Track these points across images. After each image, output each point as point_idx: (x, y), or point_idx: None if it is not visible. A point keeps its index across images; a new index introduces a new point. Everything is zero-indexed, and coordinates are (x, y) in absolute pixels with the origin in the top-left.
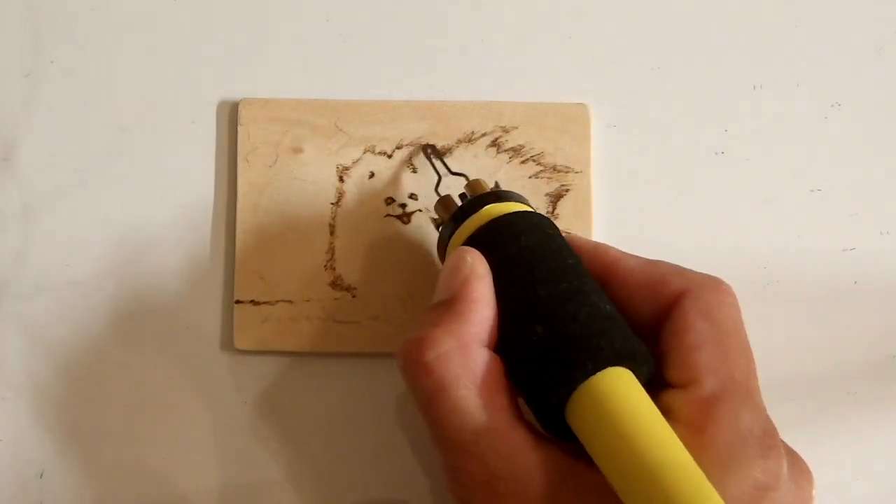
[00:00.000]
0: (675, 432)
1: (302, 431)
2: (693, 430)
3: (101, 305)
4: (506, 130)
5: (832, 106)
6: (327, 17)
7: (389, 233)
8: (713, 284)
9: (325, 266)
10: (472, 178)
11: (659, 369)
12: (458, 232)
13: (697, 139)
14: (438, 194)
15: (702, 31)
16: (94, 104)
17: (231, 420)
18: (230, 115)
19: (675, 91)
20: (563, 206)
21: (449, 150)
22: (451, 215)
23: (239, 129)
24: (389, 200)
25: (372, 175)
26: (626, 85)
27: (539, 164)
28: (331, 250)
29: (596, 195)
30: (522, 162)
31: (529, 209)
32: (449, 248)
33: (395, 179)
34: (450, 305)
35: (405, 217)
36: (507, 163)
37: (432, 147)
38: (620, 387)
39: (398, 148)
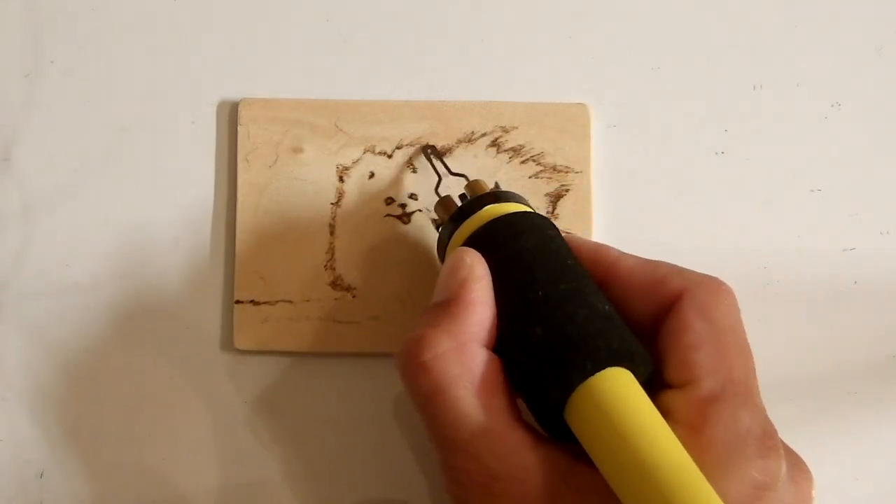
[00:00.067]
0: (674, 432)
1: (302, 431)
2: (692, 430)
3: (101, 306)
4: (506, 130)
5: (832, 106)
6: (327, 17)
7: (389, 233)
8: (712, 285)
9: (325, 266)
10: (472, 178)
11: (658, 369)
12: (457, 232)
13: (697, 139)
14: (438, 195)
15: (702, 31)
16: (94, 104)
17: (231, 420)
18: (230, 115)
19: (675, 91)
20: (563, 206)
21: (449, 150)
22: (451, 216)
23: (239, 129)
24: (389, 200)
25: (372, 175)
26: (626, 85)
27: (539, 164)
28: (331, 250)
29: (596, 195)
30: (522, 162)
31: (529, 210)
32: (448, 249)
33: (395, 179)
34: (448, 306)
35: (405, 217)
36: (507, 163)
37: (432, 148)
38: (619, 387)
39: (398, 148)
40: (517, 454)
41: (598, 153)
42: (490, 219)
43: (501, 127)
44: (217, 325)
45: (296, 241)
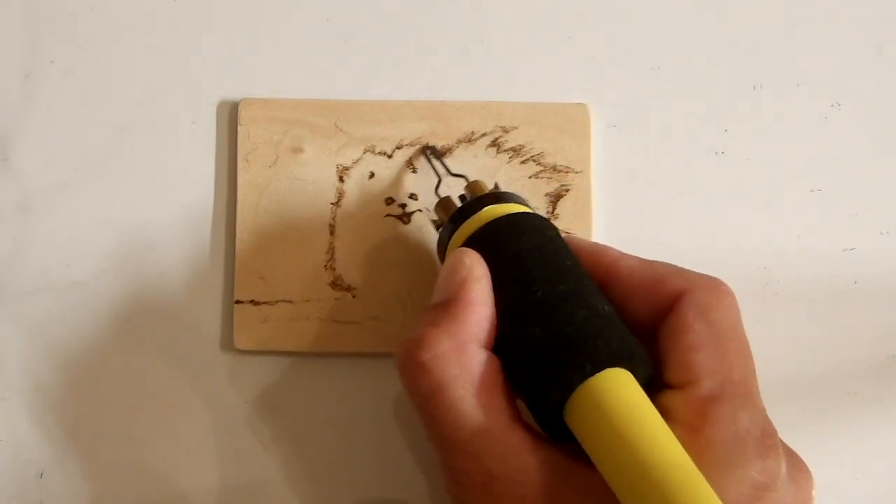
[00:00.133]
0: (674, 433)
1: (302, 431)
2: (691, 430)
3: (101, 305)
4: (506, 130)
5: (832, 106)
6: (327, 17)
7: (389, 233)
8: (712, 285)
9: (325, 266)
10: (471, 179)
11: (658, 370)
12: (457, 233)
13: (697, 139)
14: (438, 196)
15: (702, 31)
16: (94, 104)
17: (231, 420)
18: (230, 115)
19: (675, 91)
20: (563, 206)
21: (449, 151)
22: (451, 216)
23: (239, 129)
24: (389, 200)
25: (372, 175)
26: (626, 85)
27: (539, 164)
28: (331, 250)
29: (596, 195)
30: (522, 162)
31: (529, 210)
32: (448, 249)
33: (395, 180)
34: (447, 306)
35: (405, 217)
36: (507, 163)
37: (432, 148)
38: (619, 388)
39: (398, 148)
40: (516, 454)
41: (598, 153)
42: (490, 219)
43: (501, 127)
44: (217, 325)
45: (296, 241)
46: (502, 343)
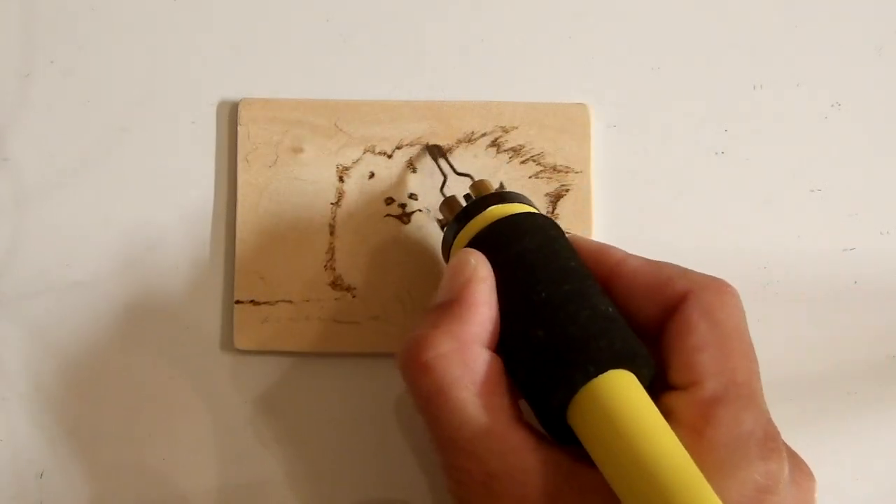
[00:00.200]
0: (677, 434)
1: (302, 431)
2: (694, 432)
3: (102, 305)
4: (506, 130)
5: (832, 106)
6: (327, 17)
7: (389, 233)
8: (717, 286)
9: (326, 266)
10: (476, 178)
11: (661, 370)
12: (461, 233)
13: (697, 139)
14: (444, 195)
15: (702, 31)
16: (93, 104)
17: (231, 420)
18: (230, 115)
19: (675, 91)
20: (563, 207)
21: (449, 150)
22: (456, 216)
23: (239, 129)
24: (389, 200)
25: (372, 175)
26: (626, 85)
27: (539, 164)
28: (331, 250)
29: (596, 195)
30: (522, 162)
31: (533, 211)
32: (453, 249)
33: (395, 180)
34: (451, 307)
35: (405, 217)
36: (507, 163)
37: (438, 147)
38: (621, 389)
39: (398, 148)
40: (518, 454)
41: (598, 153)
42: (494, 219)
43: (501, 127)
44: (217, 325)
45: (296, 241)
46: (505, 343)
